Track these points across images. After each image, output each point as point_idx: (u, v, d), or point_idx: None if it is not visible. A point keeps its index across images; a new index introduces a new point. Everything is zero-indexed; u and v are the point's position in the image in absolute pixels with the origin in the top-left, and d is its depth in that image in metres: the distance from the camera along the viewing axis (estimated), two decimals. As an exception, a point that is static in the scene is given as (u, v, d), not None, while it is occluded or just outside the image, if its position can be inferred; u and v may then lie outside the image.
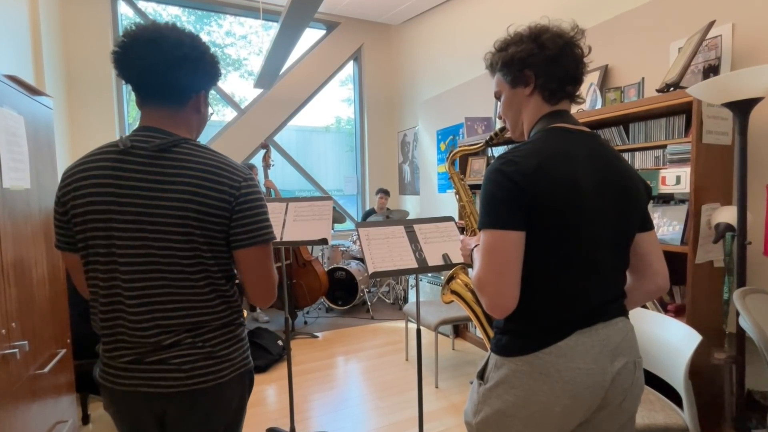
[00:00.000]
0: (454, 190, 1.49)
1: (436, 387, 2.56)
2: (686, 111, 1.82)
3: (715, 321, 1.83)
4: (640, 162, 2.01)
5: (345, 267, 3.99)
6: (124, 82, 0.86)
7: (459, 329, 3.38)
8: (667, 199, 1.96)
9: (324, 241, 1.72)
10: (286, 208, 1.86)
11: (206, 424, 0.88)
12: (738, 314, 1.40)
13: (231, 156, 4.53)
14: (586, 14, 2.63)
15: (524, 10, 3.17)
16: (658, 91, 1.88)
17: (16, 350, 1.25)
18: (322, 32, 4.96)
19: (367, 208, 5.15)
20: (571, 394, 0.79)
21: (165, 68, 0.82)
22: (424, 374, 2.74)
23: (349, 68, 5.24)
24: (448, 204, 4.01)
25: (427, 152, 4.38)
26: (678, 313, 1.85)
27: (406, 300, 4.31)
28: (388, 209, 4.55)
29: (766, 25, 1.80)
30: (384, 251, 1.59)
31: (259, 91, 4.61)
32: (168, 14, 4.40)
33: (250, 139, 4.58)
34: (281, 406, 2.37)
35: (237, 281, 0.96)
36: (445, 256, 1.61)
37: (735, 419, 1.58)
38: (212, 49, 0.89)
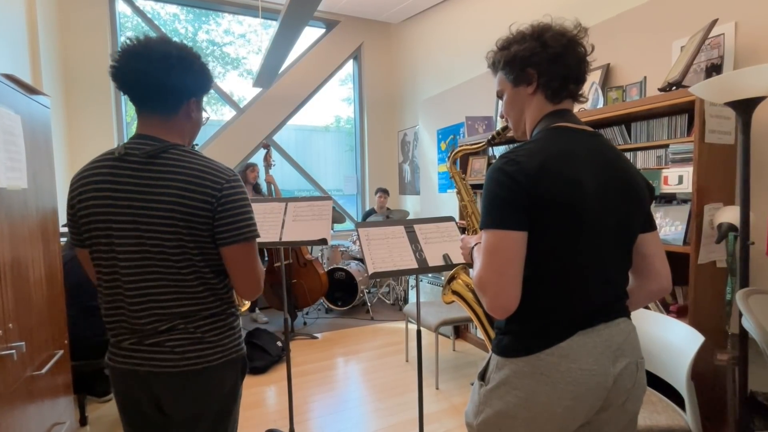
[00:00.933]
0: (456, 190, 1.49)
1: (437, 388, 2.56)
2: (689, 110, 1.82)
3: (717, 322, 1.82)
4: (642, 162, 2.01)
5: (345, 267, 3.98)
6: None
7: (459, 330, 3.37)
8: (669, 199, 1.95)
9: (323, 242, 1.71)
10: (286, 208, 1.85)
11: (199, 403, 0.96)
12: (741, 315, 1.40)
13: (230, 155, 4.51)
14: (588, 12, 2.63)
15: (525, 8, 3.16)
16: (661, 90, 1.88)
17: (13, 351, 1.24)
18: (322, 31, 4.95)
19: (367, 208, 5.14)
20: (572, 395, 0.79)
21: (154, 80, 0.90)
22: (424, 375, 2.73)
23: (349, 67, 5.22)
24: (449, 204, 4.00)
25: (428, 152, 4.36)
26: (680, 313, 1.84)
27: (406, 301, 4.30)
28: (388, 209, 4.54)
29: (770, 23, 1.79)
30: (384, 251, 1.59)
31: (258, 90, 4.60)
32: (166, 12, 4.39)
33: (249, 138, 4.56)
34: (280, 407, 2.36)
35: None
36: (446, 257, 1.60)
37: (738, 421, 1.57)
38: (202, 58, 0.97)
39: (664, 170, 1.85)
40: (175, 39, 0.96)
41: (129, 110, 4.24)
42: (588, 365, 0.80)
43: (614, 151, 0.88)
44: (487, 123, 3.32)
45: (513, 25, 0.92)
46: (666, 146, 1.90)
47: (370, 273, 1.50)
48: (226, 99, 4.57)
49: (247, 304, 1.63)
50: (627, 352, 0.85)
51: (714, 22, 1.81)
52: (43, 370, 1.43)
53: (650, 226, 0.92)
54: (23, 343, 1.31)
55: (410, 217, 4.71)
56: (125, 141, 0.98)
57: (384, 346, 3.26)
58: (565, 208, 0.78)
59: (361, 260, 4.30)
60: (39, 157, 1.57)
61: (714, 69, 1.95)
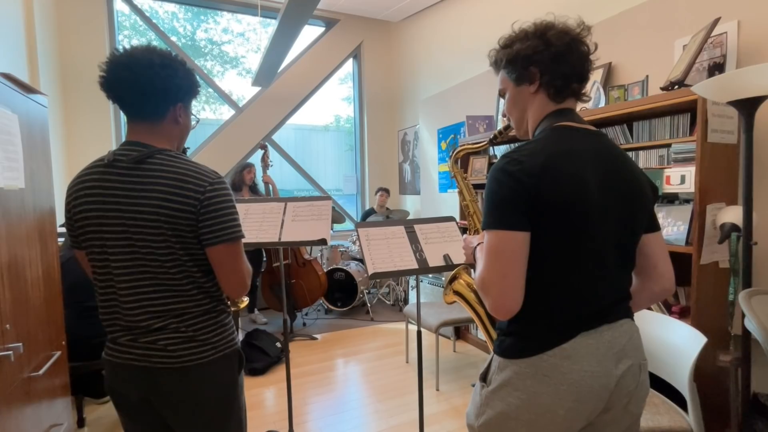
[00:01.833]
0: (458, 189, 1.48)
1: (437, 390, 2.55)
2: (691, 109, 1.81)
3: (720, 322, 1.81)
4: (644, 161, 2.00)
5: (344, 268, 3.97)
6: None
7: (460, 331, 3.36)
8: (671, 199, 1.94)
9: (323, 242, 1.70)
10: (285, 208, 1.85)
11: (197, 396, 1.00)
12: (743, 316, 1.40)
13: (229, 155, 4.49)
14: (590, 11, 2.62)
15: (527, 6, 3.15)
16: (663, 89, 1.88)
17: (11, 352, 1.24)
18: (321, 29, 4.93)
19: (367, 207, 5.13)
20: (575, 396, 0.79)
21: (139, 87, 0.94)
22: (424, 377, 2.72)
23: (349, 66, 5.21)
24: (449, 204, 3.98)
25: (428, 151, 4.35)
26: (683, 314, 1.84)
27: (406, 301, 4.29)
28: (387, 209, 4.53)
29: (773, 22, 1.79)
30: (384, 252, 1.59)
31: (257, 89, 4.58)
32: (164, 11, 4.37)
33: (248, 137, 4.55)
34: (279, 409, 2.35)
35: None
36: (446, 257, 1.60)
37: (740, 422, 1.56)
38: (200, 58, 1.04)
39: (666, 170, 1.84)
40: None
41: (127, 109, 4.22)
42: (591, 367, 0.79)
43: (618, 151, 0.87)
44: (488, 122, 3.31)
45: (516, 23, 0.92)
46: (668, 146, 1.90)
47: (369, 273, 1.50)
48: (225, 98, 4.56)
49: (246, 300, 1.64)
50: (630, 353, 0.84)
51: (716, 21, 1.81)
52: (41, 372, 1.43)
53: (654, 226, 0.91)
54: (20, 344, 1.30)
55: (410, 217, 4.70)
56: (122, 142, 1.01)
57: (384, 347, 3.25)
58: (567, 208, 0.78)
59: (361, 260, 4.29)
60: (36, 156, 1.56)
61: (716, 68, 1.94)
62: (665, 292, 0.93)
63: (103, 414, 2.29)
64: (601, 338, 0.81)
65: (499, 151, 3.02)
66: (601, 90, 2.32)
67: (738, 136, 1.81)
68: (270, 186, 3.63)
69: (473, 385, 2.16)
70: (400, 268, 1.54)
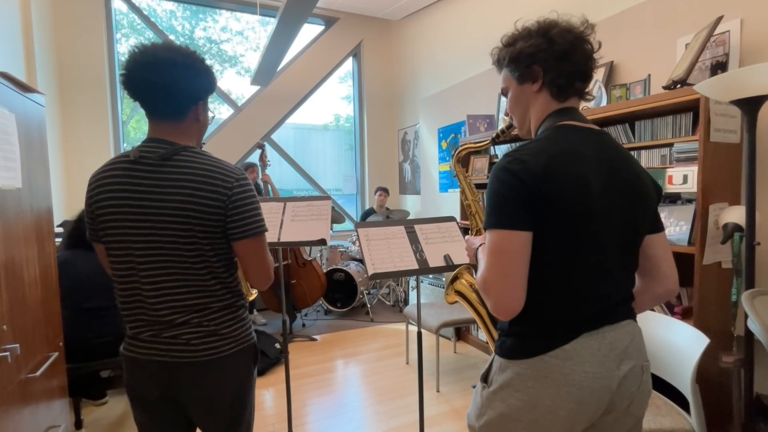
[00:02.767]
0: (460, 189, 1.48)
1: (438, 391, 2.54)
2: (693, 108, 1.80)
3: (723, 323, 1.81)
4: (646, 161, 1.99)
5: (344, 268, 3.95)
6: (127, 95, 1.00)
7: (461, 332, 3.35)
8: (673, 199, 1.94)
9: (322, 242, 1.69)
10: (284, 208, 1.84)
11: (214, 391, 1.03)
12: (746, 316, 1.39)
13: (228, 154, 4.49)
14: (592, 9, 2.61)
15: (529, 5, 3.14)
16: (665, 88, 1.87)
17: (8, 353, 1.24)
18: (321, 28, 4.92)
19: (367, 207, 5.11)
20: (577, 398, 0.78)
21: (162, 87, 0.95)
22: (425, 378, 2.71)
23: (349, 65, 5.20)
24: (450, 204, 3.98)
25: (428, 151, 4.34)
26: (685, 315, 1.83)
27: (406, 302, 4.28)
28: (387, 209, 4.52)
29: (776, 20, 1.78)
30: (384, 252, 1.58)
31: (256, 88, 4.57)
32: (162, 9, 4.36)
33: (247, 137, 4.54)
34: (279, 410, 2.34)
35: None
36: (447, 257, 1.59)
37: (743, 424, 1.56)
38: (207, 60, 1.03)
39: (668, 169, 1.84)
40: (181, 42, 1.02)
41: (125, 109, 4.21)
42: (593, 368, 0.79)
43: (621, 151, 0.87)
44: (489, 121, 3.30)
45: (518, 21, 0.91)
46: (670, 145, 1.89)
47: (369, 274, 1.49)
48: (224, 97, 4.54)
49: (254, 293, 1.65)
50: (632, 354, 0.84)
51: (719, 19, 1.80)
52: (38, 373, 1.43)
53: (657, 227, 0.91)
54: (18, 345, 1.30)
55: (411, 217, 4.69)
56: (144, 140, 1.02)
57: (384, 348, 3.24)
58: (570, 207, 0.77)
59: (361, 261, 4.28)
60: (33, 156, 1.55)
61: (719, 67, 1.94)
62: (668, 293, 0.92)
63: (101, 416, 2.28)
64: (603, 339, 0.81)
65: (501, 150, 3.01)
66: (603, 89, 2.32)
67: (741, 135, 1.80)
68: (269, 185, 3.61)
69: (474, 387, 2.15)
70: (400, 268, 1.54)
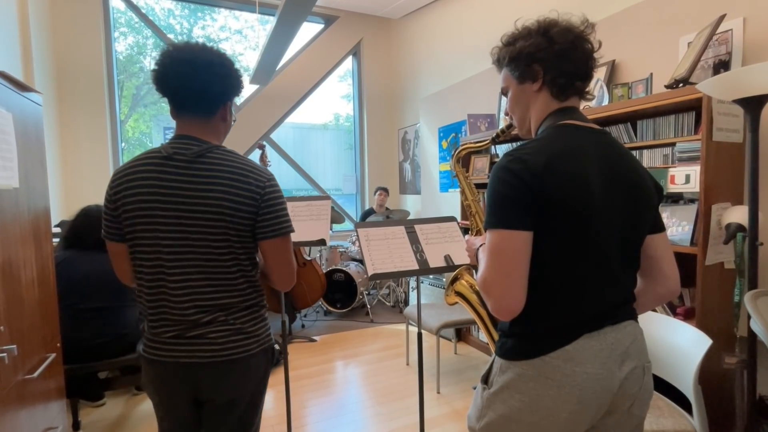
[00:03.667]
0: (460, 189, 1.47)
1: (438, 393, 2.53)
2: (696, 108, 1.79)
3: (725, 324, 1.80)
4: (648, 160, 1.99)
5: (344, 269, 3.94)
6: (159, 94, 1.01)
7: (461, 333, 3.34)
8: (676, 199, 1.93)
9: (322, 242, 1.69)
10: (284, 208, 1.82)
11: (237, 389, 1.04)
12: (749, 317, 1.39)
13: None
14: (593, 8, 2.60)
15: (529, 3, 3.13)
16: (667, 87, 1.86)
17: (5, 354, 1.23)
18: (320, 26, 4.91)
19: (367, 207, 5.10)
20: (578, 399, 0.78)
21: (199, 86, 0.97)
22: (425, 379, 2.70)
23: (348, 63, 5.19)
24: (450, 204, 3.97)
25: (429, 150, 4.33)
26: (687, 316, 1.82)
27: (406, 303, 4.27)
28: (387, 209, 4.50)
29: (779, 19, 1.77)
30: (384, 252, 1.58)
31: (255, 87, 4.56)
32: (161, 8, 4.34)
33: (246, 136, 4.53)
34: (278, 412, 2.33)
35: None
36: (447, 258, 1.59)
37: (746, 426, 1.55)
38: (236, 65, 1.05)
39: (670, 169, 1.83)
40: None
41: (123, 108, 4.20)
42: (594, 369, 0.78)
43: (622, 150, 0.87)
44: (490, 121, 3.29)
45: (518, 20, 0.91)
46: (673, 144, 1.88)
47: (369, 274, 1.49)
48: (224, 96, 4.53)
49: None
50: (634, 355, 0.84)
51: (722, 18, 1.79)
52: (35, 374, 1.42)
53: (658, 227, 0.91)
54: (15, 346, 1.29)
55: (411, 217, 4.68)
56: (173, 136, 1.04)
57: (384, 349, 3.23)
58: (571, 207, 0.77)
59: (361, 261, 4.27)
60: (31, 155, 1.54)
61: (722, 65, 1.93)
62: (670, 293, 0.92)
63: (99, 417, 2.28)
64: (604, 340, 0.81)
65: (501, 150, 3.00)
66: (605, 88, 2.31)
67: (744, 134, 1.80)
68: None
69: (474, 388, 2.14)
70: (400, 268, 1.54)
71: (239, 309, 1.02)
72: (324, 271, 3.88)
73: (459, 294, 1.34)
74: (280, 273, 1.06)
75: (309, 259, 3.76)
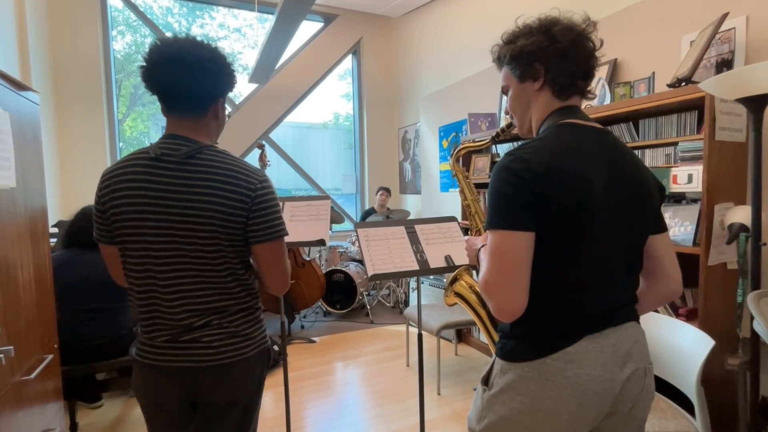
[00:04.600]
0: (459, 189, 1.46)
1: (438, 394, 2.52)
2: (698, 107, 1.79)
3: (728, 325, 1.79)
4: (650, 160, 1.98)
5: (343, 269, 3.93)
6: (149, 91, 0.97)
7: (462, 334, 3.33)
8: (678, 199, 1.92)
9: (321, 242, 1.68)
10: (282, 208, 1.82)
11: (234, 392, 1.01)
12: (752, 318, 1.39)
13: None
14: (595, 6, 2.59)
15: (530, 1, 3.12)
16: (669, 86, 1.85)
17: (1, 356, 1.21)
18: (320, 25, 4.90)
19: (367, 207, 5.09)
20: (579, 401, 0.78)
21: (188, 83, 0.93)
22: (425, 381, 2.69)
23: (348, 62, 5.18)
24: (451, 203, 3.96)
25: (429, 150, 4.32)
26: (690, 316, 1.82)
27: (406, 303, 4.26)
28: (388, 209, 4.49)
29: (782, 17, 1.76)
30: (384, 253, 1.57)
31: (254, 86, 4.55)
32: (159, 6, 4.33)
33: (245, 135, 4.52)
34: (277, 414, 2.33)
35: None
36: (448, 258, 1.58)
37: (749, 427, 1.54)
38: (229, 60, 1.01)
39: (673, 169, 1.82)
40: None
41: (121, 107, 4.19)
42: (595, 371, 0.78)
43: (624, 149, 0.87)
44: (491, 120, 3.28)
45: (519, 18, 0.91)
46: (675, 144, 1.88)
47: (369, 275, 1.49)
48: (223, 96, 4.52)
49: None
50: (635, 357, 0.83)
51: (724, 16, 1.79)
52: (32, 375, 1.40)
53: (660, 227, 0.90)
54: (11, 347, 1.28)
55: (411, 217, 4.67)
56: (162, 136, 1.01)
57: (384, 350, 3.22)
58: (573, 208, 0.76)
59: (361, 262, 4.26)
60: (28, 155, 1.53)
61: (724, 64, 1.92)
62: (672, 294, 0.92)
63: (96, 419, 2.27)
64: (606, 341, 0.80)
65: (502, 149, 2.99)
66: (607, 87, 2.30)
67: (747, 134, 1.79)
68: None
69: (475, 389, 2.13)
70: (400, 269, 1.53)
71: (233, 312, 1.00)
72: (323, 272, 3.87)
73: (458, 295, 1.33)
74: (274, 278, 1.03)
75: (308, 259, 3.75)
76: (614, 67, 2.41)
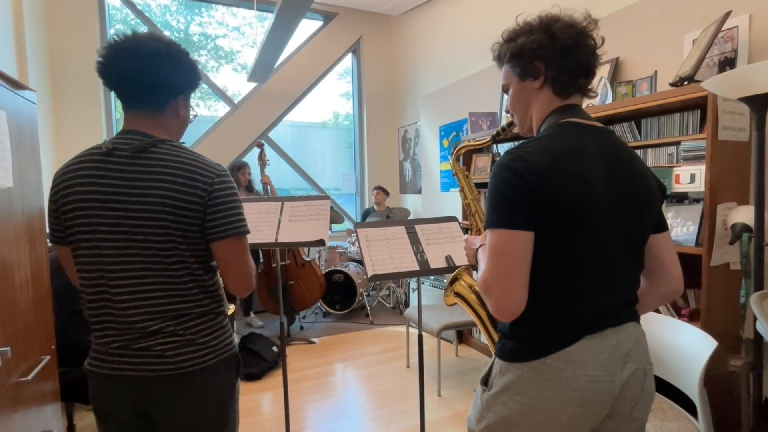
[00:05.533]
0: (459, 188, 1.45)
1: (439, 395, 2.52)
2: (701, 106, 1.78)
3: (731, 326, 1.79)
4: (652, 159, 1.97)
5: (343, 269, 3.92)
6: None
7: (463, 335, 3.33)
8: (681, 199, 1.91)
9: (321, 243, 1.67)
10: (282, 208, 1.81)
11: (196, 405, 0.95)
12: (755, 319, 1.37)
13: (224, 153, 4.45)
14: (597, 4, 2.58)
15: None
16: (672, 85, 1.84)
17: (-2, 357, 1.20)
18: (319, 23, 4.88)
19: (366, 207, 5.08)
20: (578, 401, 0.78)
21: (142, 76, 0.91)
22: (426, 382, 2.68)
23: (348, 61, 5.16)
24: (451, 203, 3.95)
25: (429, 149, 4.31)
26: (692, 317, 1.81)
27: (407, 304, 4.26)
28: (388, 208, 4.48)
29: (785, 15, 1.75)
30: (384, 253, 1.57)
31: (253, 85, 4.53)
32: (157, 4, 4.31)
33: (244, 135, 4.50)
34: (276, 415, 2.32)
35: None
36: (448, 258, 1.57)
37: (752, 429, 1.53)
38: (195, 51, 0.99)
39: (675, 168, 1.82)
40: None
41: (118, 106, 4.18)
42: (595, 371, 0.78)
43: (625, 149, 0.87)
44: (491, 119, 3.27)
45: (520, 16, 0.90)
46: (677, 143, 1.87)
47: (369, 275, 1.48)
48: (220, 94, 4.50)
49: (232, 307, 1.60)
50: (635, 357, 0.83)
51: (727, 15, 1.78)
52: (30, 377, 1.40)
53: (661, 226, 0.90)
54: (8, 348, 1.27)
55: (411, 216, 4.66)
56: (119, 131, 0.98)
57: (384, 351, 3.21)
58: (573, 207, 0.76)
59: (360, 262, 4.25)
60: (25, 154, 1.53)
61: (727, 63, 1.92)
62: (674, 293, 0.92)
63: (94, 420, 2.25)
64: (606, 342, 0.80)
65: (503, 148, 2.98)
66: (608, 86, 2.30)
67: (750, 133, 1.78)
68: (268, 187, 3.57)
69: (475, 390, 2.12)
70: (400, 269, 1.53)
71: (191, 317, 0.94)
72: (323, 272, 3.86)
73: (458, 295, 1.33)
74: (235, 277, 0.97)
75: (308, 259, 3.74)
76: (616, 65, 2.41)
